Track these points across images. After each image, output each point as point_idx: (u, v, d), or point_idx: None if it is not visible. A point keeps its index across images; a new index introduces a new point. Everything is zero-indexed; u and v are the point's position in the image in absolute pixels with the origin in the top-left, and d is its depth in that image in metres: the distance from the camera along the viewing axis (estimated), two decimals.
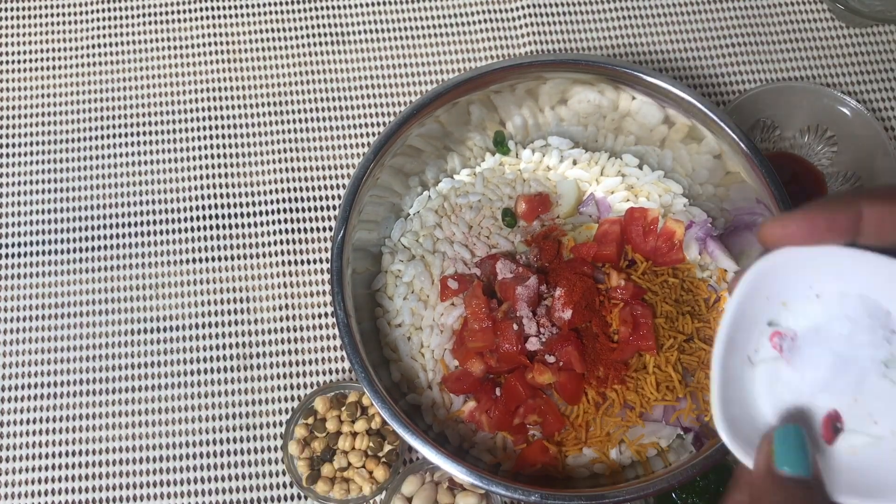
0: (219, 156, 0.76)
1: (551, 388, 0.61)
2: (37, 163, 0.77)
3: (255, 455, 0.68)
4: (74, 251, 0.74)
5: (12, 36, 0.81)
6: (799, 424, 0.34)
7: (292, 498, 0.66)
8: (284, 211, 0.74)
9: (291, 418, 0.64)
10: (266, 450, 0.68)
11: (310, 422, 0.65)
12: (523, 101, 0.67)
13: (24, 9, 0.82)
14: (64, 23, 0.82)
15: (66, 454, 0.68)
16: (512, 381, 0.61)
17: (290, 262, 0.73)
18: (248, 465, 0.67)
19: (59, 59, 0.80)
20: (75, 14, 0.82)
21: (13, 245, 0.74)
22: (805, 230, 0.33)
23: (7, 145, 0.77)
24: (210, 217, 0.74)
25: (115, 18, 0.82)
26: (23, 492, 0.67)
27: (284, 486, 0.67)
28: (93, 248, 0.74)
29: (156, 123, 0.78)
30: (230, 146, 0.77)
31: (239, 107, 0.78)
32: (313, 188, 0.75)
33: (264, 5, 0.82)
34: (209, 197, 0.75)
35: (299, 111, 0.78)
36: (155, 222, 0.74)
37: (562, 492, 0.54)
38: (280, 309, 0.71)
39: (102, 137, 0.77)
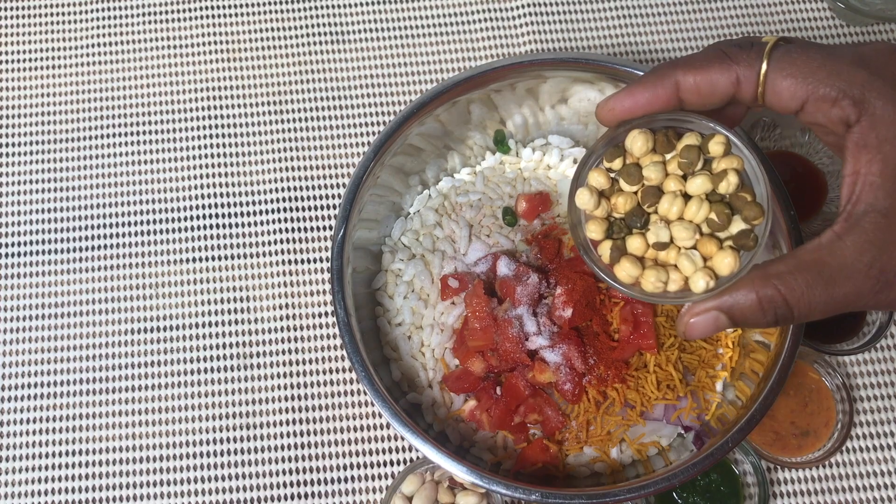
0: (218, 155, 0.76)
1: (552, 387, 0.61)
2: (36, 162, 0.76)
3: (256, 455, 0.67)
4: (74, 251, 0.74)
5: (12, 36, 0.81)
6: None
7: (292, 497, 0.66)
8: (284, 210, 0.74)
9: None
10: (266, 449, 0.68)
11: (615, 165, 0.41)
12: (524, 100, 0.67)
13: (24, 8, 0.82)
14: (64, 23, 0.82)
15: (66, 454, 0.68)
16: (512, 379, 0.61)
17: (290, 262, 0.73)
18: (248, 464, 0.67)
19: (59, 58, 0.80)
20: (75, 14, 0.82)
21: (13, 245, 0.74)
22: (630, 106, 0.37)
23: (7, 145, 0.77)
24: (210, 216, 0.74)
25: (115, 18, 0.82)
26: (23, 491, 0.67)
27: (284, 485, 0.67)
28: (92, 248, 0.74)
29: (155, 123, 0.78)
30: (230, 145, 0.77)
31: (239, 106, 0.78)
32: (313, 187, 0.75)
33: (264, 4, 0.82)
34: (209, 196, 0.75)
35: (299, 110, 0.78)
36: (155, 221, 0.74)
37: (562, 491, 0.54)
38: (280, 308, 0.71)
39: (102, 137, 0.77)
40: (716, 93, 0.37)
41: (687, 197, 0.39)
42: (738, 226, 0.38)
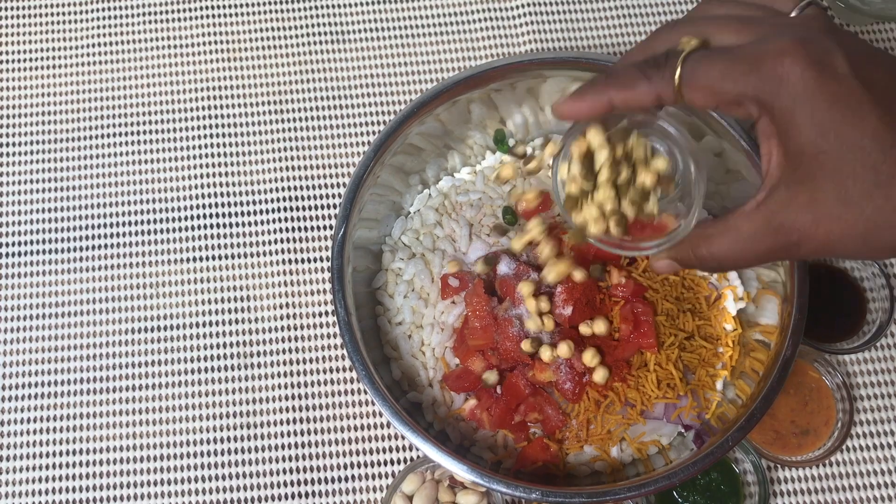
0: (219, 154, 0.76)
1: (552, 386, 0.61)
2: (37, 162, 0.76)
3: (256, 454, 0.67)
4: (74, 250, 0.74)
5: (12, 35, 0.81)
6: None
7: (292, 497, 0.66)
8: (285, 209, 0.74)
9: None
10: (266, 448, 0.68)
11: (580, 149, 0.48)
12: (524, 100, 0.67)
13: (24, 8, 0.82)
14: (64, 22, 0.82)
15: (66, 454, 0.68)
16: (513, 378, 0.61)
17: (290, 261, 0.73)
18: (248, 463, 0.67)
19: (60, 58, 0.80)
20: (75, 14, 0.82)
21: (13, 244, 0.74)
22: (575, 113, 0.45)
23: (7, 144, 0.77)
24: (210, 216, 0.74)
25: (116, 18, 0.82)
26: (23, 491, 0.67)
27: (284, 484, 0.67)
28: (93, 247, 0.74)
29: (156, 123, 0.78)
30: (230, 145, 0.77)
31: (239, 106, 0.78)
32: (314, 187, 0.75)
33: (264, 4, 0.82)
34: (209, 196, 0.75)
35: (299, 110, 0.78)
36: (155, 221, 0.74)
37: (563, 489, 0.54)
38: (280, 307, 0.71)
39: (102, 136, 0.77)
40: (643, 105, 0.43)
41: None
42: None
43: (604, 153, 0.46)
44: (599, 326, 0.60)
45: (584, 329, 0.60)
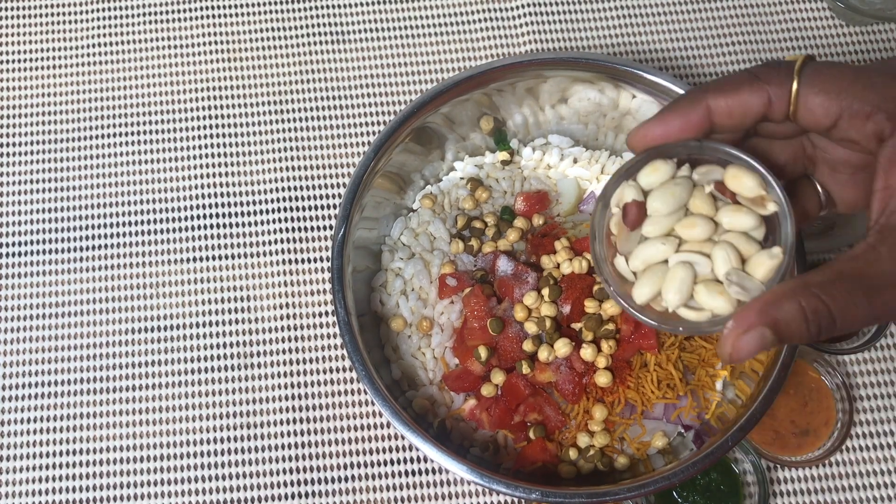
0: (219, 154, 0.76)
1: (552, 387, 0.61)
2: (37, 162, 0.77)
3: (256, 454, 0.67)
4: (75, 250, 0.74)
5: (12, 35, 0.81)
6: None
7: (292, 497, 0.66)
8: (285, 210, 0.74)
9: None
10: (266, 448, 0.68)
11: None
12: (524, 100, 0.67)
13: (24, 8, 0.82)
14: (64, 22, 0.82)
15: (66, 454, 0.68)
16: (512, 379, 0.61)
17: (290, 261, 0.73)
18: (248, 464, 0.67)
19: (60, 58, 0.80)
20: (76, 14, 0.82)
21: (14, 244, 0.74)
22: (662, 133, 0.37)
23: (8, 144, 0.77)
24: (210, 216, 0.74)
25: (116, 18, 0.82)
26: (23, 491, 0.67)
27: (285, 485, 0.67)
28: (93, 248, 0.74)
29: (156, 123, 0.78)
30: (230, 145, 0.77)
31: (239, 106, 0.78)
32: (314, 187, 0.75)
33: (264, 4, 0.82)
34: (210, 196, 0.75)
35: (300, 110, 0.78)
36: (155, 221, 0.74)
37: (563, 489, 0.54)
38: (280, 308, 0.71)
39: (103, 137, 0.77)
40: (748, 114, 0.37)
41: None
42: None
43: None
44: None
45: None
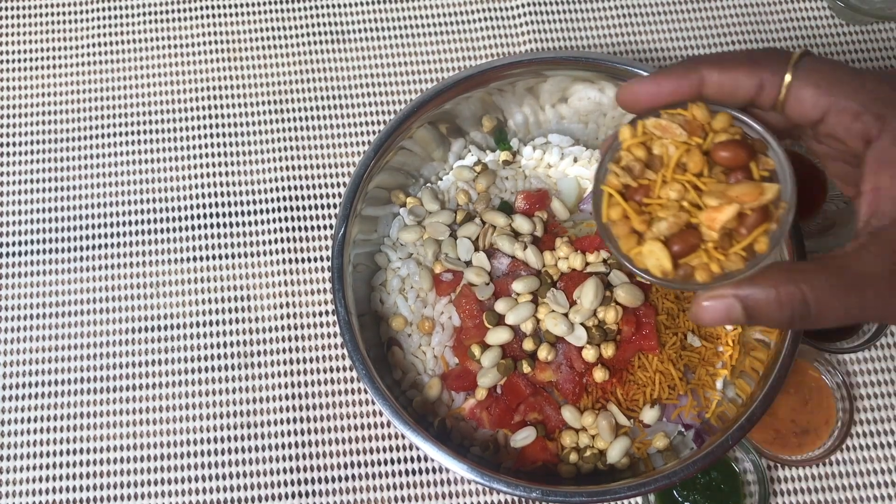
0: (219, 154, 0.76)
1: (552, 386, 0.61)
2: (38, 161, 0.77)
3: (256, 454, 0.67)
4: (75, 250, 0.74)
5: (13, 35, 0.81)
6: None
7: (293, 496, 0.66)
8: (285, 209, 0.74)
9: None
10: (267, 448, 0.68)
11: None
12: (524, 99, 0.67)
13: (24, 8, 0.82)
14: (64, 22, 0.82)
15: (66, 454, 0.68)
16: (513, 378, 0.61)
17: (290, 261, 0.73)
18: (248, 463, 0.67)
19: (60, 58, 0.80)
20: (76, 14, 0.82)
21: (14, 244, 0.74)
22: (654, 92, 0.37)
23: (8, 144, 0.77)
24: (211, 215, 0.74)
25: (116, 18, 0.82)
26: (23, 491, 0.67)
27: (285, 484, 0.67)
28: (94, 247, 0.74)
29: (156, 122, 0.78)
30: (230, 144, 0.77)
31: (239, 105, 0.78)
32: (314, 186, 0.75)
33: (264, 4, 0.82)
34: (210, 195, 0.75)
35: (300, 109, 0.78)
36: (155, 221, 0.74)
37: (563, 489, 0.54)
38: (281, 307, 0.71)
39: (103, 136, 0.77)
40: (737, 93, 0.37)
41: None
42: None
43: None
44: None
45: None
